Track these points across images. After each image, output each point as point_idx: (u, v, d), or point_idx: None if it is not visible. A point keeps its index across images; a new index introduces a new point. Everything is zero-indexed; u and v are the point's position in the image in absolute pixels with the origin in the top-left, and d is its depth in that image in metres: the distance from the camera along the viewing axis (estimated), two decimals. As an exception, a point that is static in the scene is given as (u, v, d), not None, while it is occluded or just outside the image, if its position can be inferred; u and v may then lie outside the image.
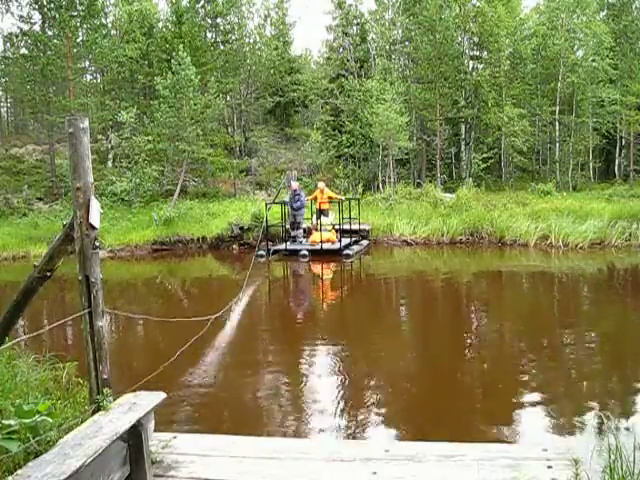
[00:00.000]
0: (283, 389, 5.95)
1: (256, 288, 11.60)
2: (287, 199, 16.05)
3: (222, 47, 27.86)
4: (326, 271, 14.26)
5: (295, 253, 14.81)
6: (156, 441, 3.50)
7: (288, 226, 16.01)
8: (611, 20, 26.34)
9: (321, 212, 15.96)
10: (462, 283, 12.05)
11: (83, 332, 3.29)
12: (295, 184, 16.09)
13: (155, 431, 3.52)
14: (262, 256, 14.73)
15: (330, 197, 16.25)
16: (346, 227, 15.85)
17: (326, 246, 14.81)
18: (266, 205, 16.23)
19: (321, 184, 16.54)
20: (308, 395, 5.73)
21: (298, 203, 15.38)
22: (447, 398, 5.55)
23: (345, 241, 15.29)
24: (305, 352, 7.28)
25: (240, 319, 9.07)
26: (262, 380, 6.28)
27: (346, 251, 14.73)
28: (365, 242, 16.30)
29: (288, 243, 15.40)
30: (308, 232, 16.03)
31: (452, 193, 20.78)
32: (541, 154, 27.12)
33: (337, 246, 14.88)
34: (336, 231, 15.65)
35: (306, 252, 14.69)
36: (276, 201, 17.15)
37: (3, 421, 2.69)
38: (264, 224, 15.64)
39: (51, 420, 2.84)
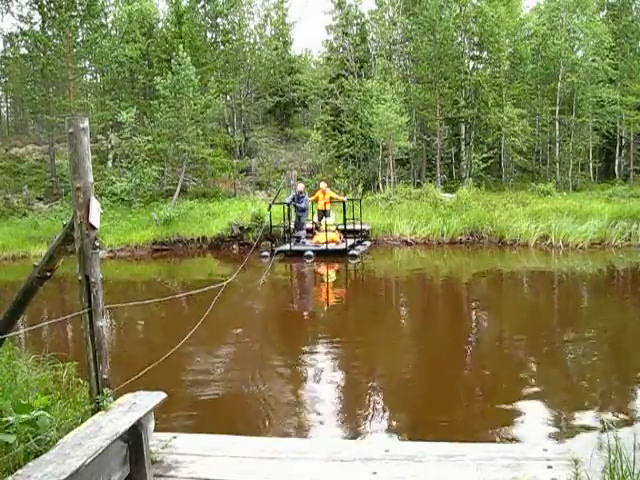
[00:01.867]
0: (287, 388, 5.95)
1: (262, 289, 11.44)
2: (290, 200, 15.85)
3: (222, 47, 27.84)
4: (331, 272, 14.06)
5: (300, 254, 14.64)
6: (156, 441, 3.50)
7: (292, 226, 15.94)
8: (611, 20, 26.34)
9: (323, 213, 15.90)
10: (467, 284, 12.01)
11: (83, 332, 3.28)
12: (301, 186, 15.97)
13: (155, 431, 3.52)
14: (266, 257, 14.56)
15: (332, 198, 16.16)
16: (347, 227, 15.74)
17: (331, 247, 14.66)
18: (270, 206, 16.05)
19: (323, 185, 16.43)
20: (312, 394, 5.73)
21: (302, 204, 15.26)
22: (448, 397, 5.54)
23: (349, 242, 15.12)
24: (313, 352, 7.24)
25: (250, 319, 9.00)
26: (268, 381, 6.28)
27: (352, 252, 14.56)
28: (368, 243, 16.14)
29: (292, 243, 15.23)
30: (312, 233, 15.91)
31: (452, 193, 20.78)
32: (541, 154, 27.11)
33: (342, 247, 14.71)
34: (340, 232, 15.51)
35: (311, 253, 14.55)
36: (277, 201, 17.05)
37: (1, 418, 2.69)
38: (267, 224, 15.48)
39: (49, 415, 2.83)
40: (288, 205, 15.84)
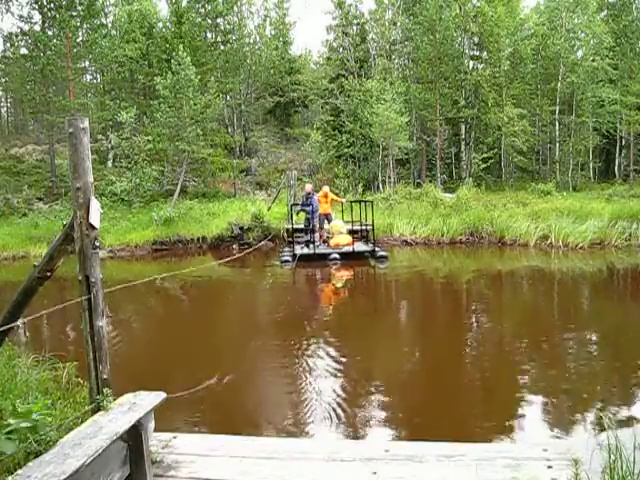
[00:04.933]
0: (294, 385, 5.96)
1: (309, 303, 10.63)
2: (301, 204, 15.36)
3: (222, 47, 27.88)
4: (367, 276, 13.31)
5: (324, 257, 13.73)
6: (156, 441, 3.50)
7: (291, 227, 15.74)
8: (611, 20, 26.36)
9: (325, 216, 15.52)
10: (471, 284, 11.92)
11: (83, 332, 3.28)
12: (309, 186, 15.42)
13: (155, 431, 3.52)
14: (288, 261, 13.63)
15: (333, 200, 15.95)
16: (349, 228, 15.35)
17: (358, 248, 14.07)
18: (292, 207, 15.34)
19: (325, 188, 16.01)
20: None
21: (311, 207, 14.63)
22: (450, 397, 5.54)
23: (359, 243, 14.58)
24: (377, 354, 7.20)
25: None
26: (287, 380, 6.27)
27: (380, 253, 13.82)
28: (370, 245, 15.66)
29: (306, 247, 14.46)
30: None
31: (452, 193, 20.78)
32: (541, 154, 27.14)
33: (369, 248, 14.16)
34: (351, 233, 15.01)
35: (337, 256, 13.77)
36: (291, 203, 16.47)
37: (1, 420, 2.69)
38: (290, 226, 14.89)
39: (49, 418, 2.83)
40: (300, 211, 15.17)
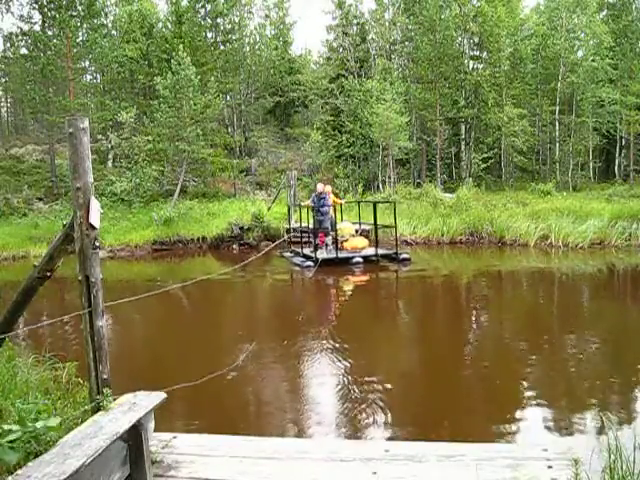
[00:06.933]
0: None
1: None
2: (311, 202, 14.63)
3: (222, 47, 27.89)
4: (396, 279, 12.75)
5: (346, 261, 13.21)
6: (156, 441, 3.50)
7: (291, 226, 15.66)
8: (611, 20, 26.38)
9: None
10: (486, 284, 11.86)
11: (83, 332, 3.28)
12: (320, 186, 14.78)
13: (155, 431, 3.52)
14: (309, 267, 12.97)
15: (334, 201, 15.72)
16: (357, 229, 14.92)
17: (381, 252, 13.72)
18: (311, 209, 14.65)
19: (328, 188, 15.27)
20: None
21: (325, 208, 13.96)
22: (452, 397, 5.53)
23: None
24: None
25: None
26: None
27: (403, 255, 13.41)
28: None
29: (323, 250, 13.82)
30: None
31: (452, 193, 20.79)
32: (541, 154, 27.15)
33: (391, 251, 13.76)
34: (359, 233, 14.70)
35: (360, 259, 13.25)
36: (297, 203, 16.25)
37: (4, 426, 2.68)
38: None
39: (54, 424, 2.82)
40: (313, 209, 14.36)
